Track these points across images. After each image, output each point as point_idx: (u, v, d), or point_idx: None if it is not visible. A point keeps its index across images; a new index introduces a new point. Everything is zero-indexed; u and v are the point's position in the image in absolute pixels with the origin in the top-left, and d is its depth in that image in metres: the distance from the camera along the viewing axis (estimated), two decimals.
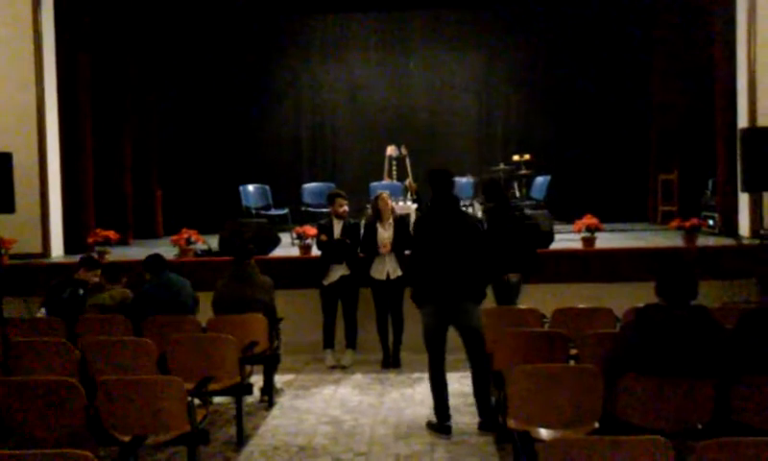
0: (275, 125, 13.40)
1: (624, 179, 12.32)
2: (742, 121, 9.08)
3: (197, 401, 4.59)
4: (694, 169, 10.87)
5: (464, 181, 11.10)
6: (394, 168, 11.25)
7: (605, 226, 8.80)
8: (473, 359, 5.70)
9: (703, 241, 8.75)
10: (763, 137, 7.73)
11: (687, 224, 8.55)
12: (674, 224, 8.85)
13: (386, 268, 7.54)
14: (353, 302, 7.71)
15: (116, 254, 8.98)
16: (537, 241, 8.08)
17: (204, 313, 6.38)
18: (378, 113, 13.32)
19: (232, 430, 5.66)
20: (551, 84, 12.95)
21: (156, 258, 6.39)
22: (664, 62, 11.69)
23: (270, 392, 6.46)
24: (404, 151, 11.23)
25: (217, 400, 6.14)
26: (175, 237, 8.78)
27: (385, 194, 7.85)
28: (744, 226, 9.19)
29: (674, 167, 11.42)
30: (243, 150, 12.95)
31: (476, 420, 5.74)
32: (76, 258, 8.22)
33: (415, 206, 8.80)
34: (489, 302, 6.64)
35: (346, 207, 7.78)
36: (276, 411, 6.28)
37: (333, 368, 7.55)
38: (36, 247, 9.05)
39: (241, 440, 5.50)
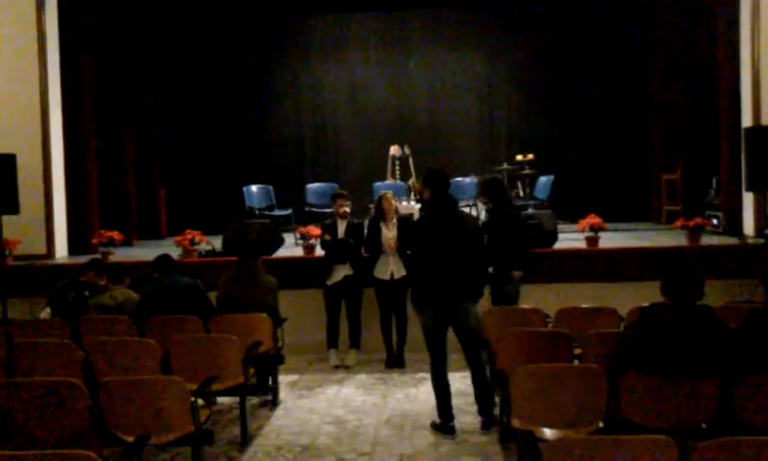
0: (276, 125, 13.41)
1: (628, 178, 12.31)
2: (746, 120, 9.06)
3: (200, 402, 4.60)
4: (698, 168, 10.85)
5: (467, 181, 11.09)
6: (397, 168, 11.25)
7: (608, 225, 8.78)
8: (471, 359, 5.73)
9: (707, 240, 8.73)
10: (767, 136, 7.70)
11: (691, 223, 8.52)
12: (678, 223, 8.83)
13: (390, 268, 7.54)
14: (357, 302, 7.71)
15: (120, 254, 8.99)
16: (536, 241, 8.12)
17: None
18: (379, 113, 13.32)
19: (236, 430, 5.66)
20: (552, 84, 12.94)
21: (164, 259, 6.42)
22: (665, 62, 11.68)
23: (275, 392, 6.46)
24: (407, 150, 11.23)
25: (221, 400, 6.15)
26: (179, 238, 8.79)
27: (389, 194, 7.86)
28: (749, 225, 9.17)
29: (677, 166, 11.40)
30: (246, 150, 12.97)
31: (480, 419, 5.74)
32: (80, 259, 8.27)
33: (418, 205, 8.80)
34: (486, 303, 6.70)
35: (346, 208, 7.77)
36: (279, 411, 6.29)
37: (337, 368, 7.56)
38: (41, 248, 9.07)
39: (245, 440, 5.51)
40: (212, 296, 6.57)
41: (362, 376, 7.28)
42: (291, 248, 9.07)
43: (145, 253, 9.74)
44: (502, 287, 7.03)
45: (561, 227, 8.97)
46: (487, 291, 6.36)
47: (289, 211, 10.84)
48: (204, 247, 8.90)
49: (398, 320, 7.64)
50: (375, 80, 13.42)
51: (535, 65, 13.10)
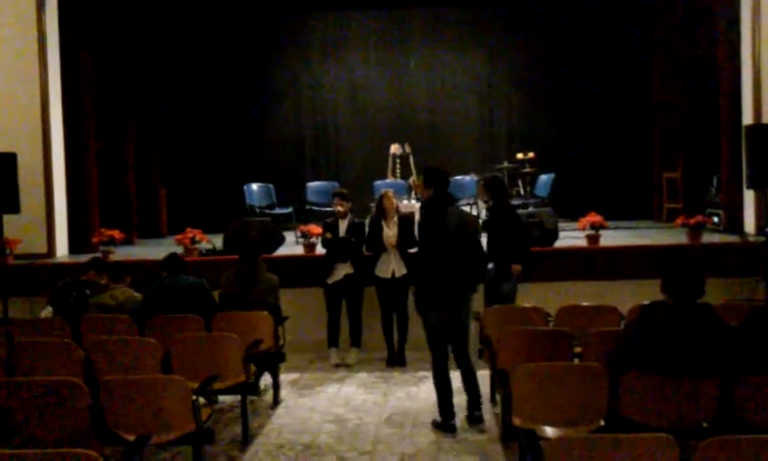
0: (276, 124, 13.40)
1: (628, 176, 12.30)
2: (747, 119, 9.06)
3: (201, 400, 4.59)
4: (699, 166, 10.84)
5: (467, 179, 11.09)
6: (397, 166, 11.25)
7: (609, 223, 8.78)
8: (461, 355, 5.78)
9: (708, 238, 8.73)
10: None
11: (692, 221, 8.52)
12: (679, 221, 8.83)
13: (391, 266, 7.54)
14: (358, 300, 7.71)
15: (121, 253, 9.00)
16: (536, 239, 8.15)
17: None
18: (379, 112, 13.31)
19: (237, 429, 5.67)
20: (552, 84, 12.93)
21: (173, 258, 6.44)
22: (665, 62, 11.69)
23: (276, 390, 6.47)
24: (408, 149, 11.23)
25: (222, 398, 6.15)
26: (179, 236, 8.79)
27: (390, 192, 7.86)
28: (749, 223, 9.17)
29: (678, 165, 11.40)
30: (246, 149, 12.96)
31: (468, 415, 5.76)
32: (81, 259, 8.28)
33: (419, 204, 8.79)
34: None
35: (339, 208, 7.75)
36: (280, 410, 6.29)
37: (338, 366, 7.56)
38: (42, 247, 9.07)
39: (246, 439, 5.51)
40: (216, 295, 6.58)
41: (363, 375, 7.28)
42: (292, 246, 9.07)
43: (146, 251, 9.77)
44: (500, 285, 7.05)
45: (561, 225, 8.97)
46: (480, 290, 6.42)
47: (290, 210, 10.84)
48: (204, 245, 8.90)
49: (399, 318, 7.65)
50: (375, 79, 13.41)
51: (535, 65, 13.09)
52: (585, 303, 6.08)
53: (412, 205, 9.44)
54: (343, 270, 7.62)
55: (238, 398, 5.68)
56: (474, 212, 9.91)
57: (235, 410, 6.03)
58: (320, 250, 8.16)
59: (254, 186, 11.01)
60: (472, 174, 11.33)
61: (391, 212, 7.64)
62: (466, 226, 5.82)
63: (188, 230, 8.76)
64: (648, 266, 7.71)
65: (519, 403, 4.26)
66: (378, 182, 10.85)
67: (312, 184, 11.43)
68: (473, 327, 6.14)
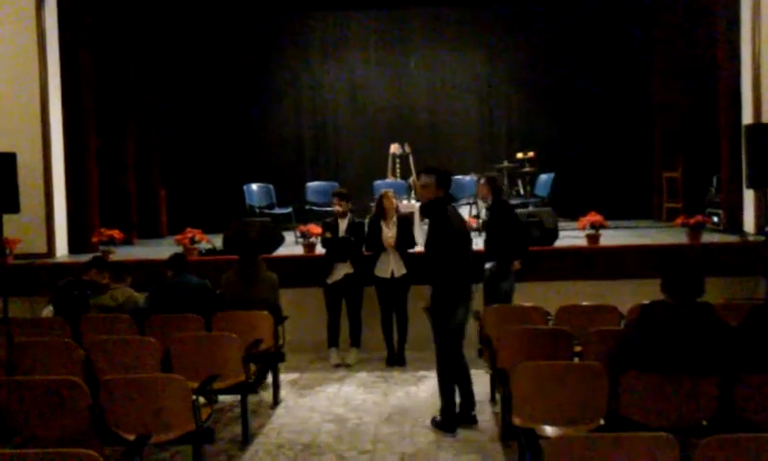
0: (276, 124, 13.40)
1: (628, 176, 12.30)
2: (746, 118, 9.07)
3: (201, 400, 4.60)
4: (698, 166, 10.84)
5: (467, 179, 11.09)
6: (397, 166, 11.25)
7: (609, 223, 8.79)
8: (460, 350, 5.78)
9: (708, 238, 8.74)
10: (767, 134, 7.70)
11: (692, 221, 8.53)
12: (678, 221, 8.83)
13: (390, 266, 7.54)
14: (358, 300, 7.71)
15: (121, 253, 9.01)
16: (536, 239, 8.17)
17: None
18: (379, 112, 13.31)
19: (237, 429, 5.67)
20: (552, 84, 12.93)
21: (178, 258, 6.46)
22: (665, 62, 11.69)
23: (276, 390, 6.47)
24: (407, 149, 11.23)
25: (222, 398, 6.15)
26: (179, 236, 8.79)
27: (390, 192, 7.86)
28: (749, 222, 9.17)
29: (678, 164, 11.40)
30: (246, 149, 12.96)
31: (481, 417, 5.75)
32: (81, 258, 8.27)
33: (418, 204, 8.80)
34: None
35: (338, 208, 7.75)
36: (280, 410, 6.29)
37: (338, 366, 7.56)
38: (41, 247, 9.07)
39: (246, 438, 5.51)
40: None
41: (363, 375, 7.28)
42: (291, 246, 9.07)
43: (146, 252, 9.77)
44: (499, 283, 7.05)
45: (561, 224, 8.98)
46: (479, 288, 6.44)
47: (289, 210, 10.83)
48: (204, 245, 8.91)
49: (399, 318, 7.65)
50: (375, 79, 13.41)
51: (535, 65, 13.09)
52: (584, 303, 6.09)
53: (412, 204, 9.44)
54: (342, 270, 7.62)
55: (238, 397, 5.68)
56: (474, 212, 9.92)
57: (235, 410, 6.02)
58: (319, 250, 8.16)
59: (254, 186, 11.00)
60: (472, 174, 11.33)
61: (390, 212, 7.64)
62: (465, 225, 5.99)
63: (188, 230, 8.76)
64: (648, 266, 7.71)
65: (519, 403, 4.26)
66: (378, 182, 10.85)
67: (312, 184, 11.42)
68: (473, 327, 6.15)
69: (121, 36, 11.13)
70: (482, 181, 7.57)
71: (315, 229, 8.45)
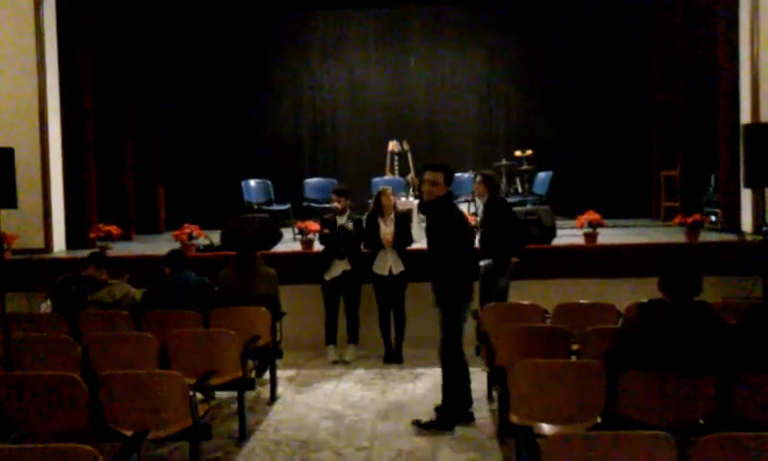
0: (275, 122, 13.40)
1: (626, 175, 12.32)
2: (745, 118, 9.08)
3: (199, 396, 4.60)
4: (697, 165, 10.85)
5: (465, 176, 11.08)
6: (396, 163, 11.25)
7: (607, 222, 8.80)
8: None
9: (705, 237, 8.75)
10: (766, 133, 7.69)
11: (690, 220, 8.54)
12: (676, 220, 8.84)
13: (388, 264, 7.55)
14: (355, 297, 7.72)
15: (118, 249, 9.00)
16: (534, 237, 8.17)
17: None
18: (378, 111, 13.31)
19: (234, 425, 5.67)
20: (552, 83, 12.95)
21: (176, 254, 6.46)
22: (665, 62, 11.69)
23: (273, 386, 6.47)
24: (406, 146, 11.22)
25: (219, 394, 6.14)
26: (177, 232, 8.78)
27: (389, 190, 7.86)
28: (747, 221, 9.18)
29: (677, 163, 11.40)
30: (244, 145, 12.97)
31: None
32: (78, 254, 8.26)
33: (416, 201, 8.80)
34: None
35: (336, 204, 7.73)
36: (278, 406, 6.30)
37: (335, 363, 7.56)
38: (39, 242, 9.06)
39: (243, 435, 5.52)
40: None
41: (360, 372, 7.29)
42: (289, 243, 9.07)
43: (143, 247, 9.77)
44: (496, 280, 7.06)
45: (559, 223, 8.99)
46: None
47: (287, 206, 10.82)
48: (202, 241, 8.90)
49: (397, 316, 7.65)
50: (375, 77, 13.41)
51: (534, 64, 13.10)
52: (582, 301, 6.10)
53: (410, 202, 9.43)
54: (340, 267, 7.62)
55: (235, 394, 5.68)
56: (472, 209, 9.92)
57: (232, 406, 6.02)
58: (317, 247, 8.16)
59: (252, 183, 10.98)
60: (471, 172, 11.33)
61: (388, 210, 7.64)
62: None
63: (186, 225, 8.76)
64: (646, 264, 7.71)
65: (517, 400, 4.27)
66: (376, 179, 10.84)
67: (310, 181, 11.41)
68: (471, 324, 6.14)
69: (120, 34, 11.12)
70: (478, 178, 7.54)
71: (313, 225, 8.45)
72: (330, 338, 7.72)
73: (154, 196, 12.03)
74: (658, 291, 4.17)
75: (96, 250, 7.93)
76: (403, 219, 7.76)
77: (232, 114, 13.01)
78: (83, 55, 9.97)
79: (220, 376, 5.21)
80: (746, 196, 9.17)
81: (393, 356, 7.62)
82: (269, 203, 10.89)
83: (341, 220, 7.72)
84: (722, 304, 5.60)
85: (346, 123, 13.44)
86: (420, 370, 7.20)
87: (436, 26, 13.37)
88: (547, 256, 8.28)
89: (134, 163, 11.56)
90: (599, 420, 4.11)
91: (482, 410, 5.94)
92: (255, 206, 10.55)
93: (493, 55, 13.35)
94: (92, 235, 9.01)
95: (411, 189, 10.14)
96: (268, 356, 6.27)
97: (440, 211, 5.64)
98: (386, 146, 11.41)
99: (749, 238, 8.63)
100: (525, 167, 11.38)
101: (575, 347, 5.10)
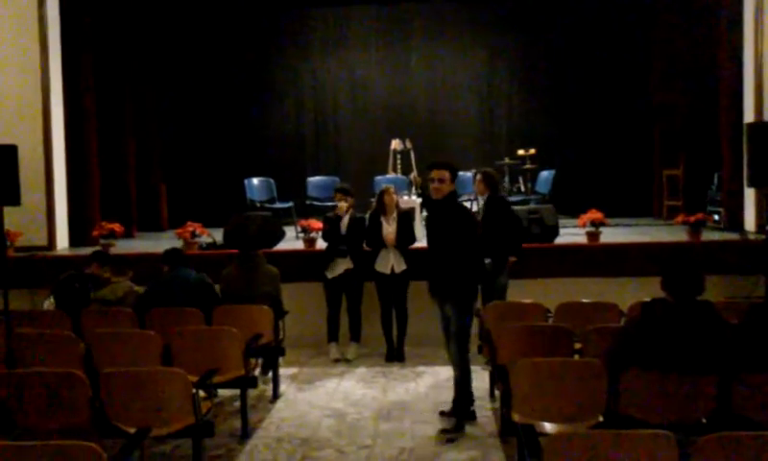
0: (277, 120, 13.38)
1: (629, 174, 12.29)
2: (748, 117, 9.07)
3: (201, 394, 4.61)
4: (700, 164, 10.84)
5: (467, 175, 11.08)
6: (398, 162, 11.24)
7: (609, 220, 8.79)
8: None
9: (708, 236, 8.74)
10: None
11: (692, 219, 8.53)
12: (679, 219, 8.84)
13: (390, 262, 7.55)
14: (358, 295, 7.72)
15: (121, 246, 9.01)
16: (536, 235, 8.17)
17: None
18: (380, 109, 13.28)
19: (237, 423, 5.68)
20: (553, 82, 12.92)
21: (173, 252, 6.46)
22: (665, 62, 11.68)
23: (275, 384, 6.48)
24: (409, 145, 11.22)
25: (221, 392, 6.15)
26: (179, 230, 8.79)
27: (391, 188, 7.84)
28: (750, 221, 9.18)
29: (679, 162, 11.39)
30: (247, 144, 12.95)
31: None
32: (81, 251, 8.28)
33: (419, 200, 8.80)
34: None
35: (343, 204, 7.69)
36: (280, 404, 6.30)
37: (337, 361, 7.57)
38: (42, 240, 9.08)
39: (245, 432, 5.52)
40: (217, 289, 6.59)
41: (362, 370, 7.29)
42: (292, 241, 9.08)
43: (146, 245, 9.78)
44: (497, 278, 7.05)
45: (562, 222, 8.99)
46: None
47: (290, 204, 10.83)
48: (204, 239, 8.91)
49: (399, 314, 7.66)
50: (376, 76, 13.38)
51: (535, 63, 13.08)
52: (584, 300, 6.09)
53: (412, 200, 9.43)
54: (342, 265, 7.62)
55: (237, 391, 5.69)
56: (475, 208, 9.90)
57: (235, 404, 6.03)
58: (320, 245, 8.16)
59: (255, 181, 10.99)
60: (473, 170, 11.32)
61: (391, 208, 7.64)
62: None
63: (189, 223, 8.76)
64: (648, 263, 7.71)
65: (519, 399, 4.27)
66: (379, 178, 10.84)
67: (313, 179, 11.41)
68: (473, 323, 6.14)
69: (122, 33, 11.14)
70: (478, 176, 7.52)
71: (316, 223, 8.45)
72: (332, 336, 7.73)
73: (156, 194, 12.03)
74: (660, 290, 4.16)
75: (99, 248, 7.95)
76: (406, 217, 7.76)
77: (234, 113, 13.00)
78: (85, 54, 9.98)
79: (222, 373, 5.22)
80: (749, 195, 9.16)
81: (395, 355, 7.62)
82: (271, 201, 10.90)
83: (344, 219, 7.69)
84: (724, 304, 5.59)
85: (348, 121, 13.42)
86: (421, 368, 7.21)
87: (437, 25, 13.34)
88: (550, 255, 8.28)
89: (137, 161, 11.57)
90: (601, 419, 4.11)
91: (484, 409, 5.94)
92: (258, 205, 10.56)
93: (494, 54, 13.32)
94: (95, 233, 9.02)
95: (414, 188, 10.14)
96: (270, 354, 6.28)
97: (449, 209, 5.61)
98: (388, 144, 11.41)
99: (751, 237, 8.62)
100: (528, 166, 11.37)
101: (577, 346, 5.11)
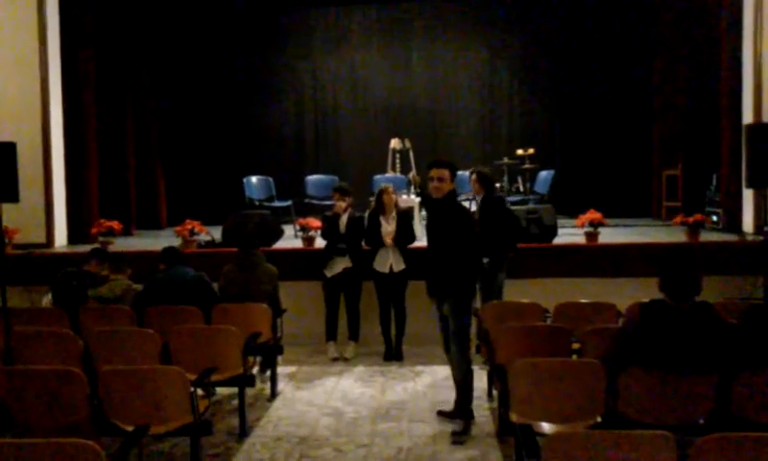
0: (277, 118, 13.39)
1: (628, 174, 12.32)
2: (747, 118, 9.08)
3: (200, 392, 4.60)
4: (698, 165, 10.85)
5: (467, 174, 11.06)
6: (397, 161, 11.24)
7: (608, 221, 8.79)
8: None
9: (706, 237, 8.75)
10: None
11: (691, 220, 8.54)
12: (678, 219, 8.84)
13: (389, 261, 7.55)
14: (356, 294, 7.72)
15: (120, 244, 9.01)
16: (535, 235, 8.17)
17: None
18: (380, 107, 13.30)
19: (235, 421, 5.68)
20: (553, 82, 12.95)
21: (170, 251, 6.45)
22: (665, 62, 11.69)
23: (273, 383, 6.48)
24: (408, 144, 11.22)
25: (219, 390, 6.16)
26: (178, 228, 8.79)
27: (390, 188, 7.84)
28: (748, 222, 9.18)
29: (678, 163, 11.40)
30: (246, 142, 12.98)
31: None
32: (79, 249, 8.27)
33: (418, 199, 8.79)
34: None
35: (341, 203, 7.68)
36: (278, 402, 6.30)
37: (335, 360, 7.57)
38: (40, 237, 9.08)
39: (243, 431, 5.52)
40: (215, 287, 6.59)
41: (360, 369, 7.29)
42: (290, 240, 9.07)
43: (144, 243, 9.78)
44: (495, 277, 7.05)
45: (561, 222, 8.99)
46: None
47: (289, 203, 10.83)
48: (203, 237, 8.91)
49: (397, 313, 7.66)
50: (377, 74, 13.39)
51: (536, 63, 13.09)
52: (583, 300, 6.09)
53: (411, 200, 9.42)
54: (341, 264, 7.62)
55: (236, 390, 5.69)
56: (473, 207, 9.90)
57: (233, 402, 6.04)
58: (318, 243, 8.16)
59: (254, 179, 10.99)
60: (470, 169, 11.31)
61: (390, 208, 7.64)
62: None
63: (187, 221, 8.76)
64: (647, 264, 7.72)
65: (517, 399, 4.27)
66: (377, 177, 10.85)
67: (311, 178, 11.41)
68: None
69: (122, 30, 11.13)
70: (473, 176, 7.45)
71: (314, 222, 8.45)
72: (331, 335, 7.73)
73: (155, 191, 12.04)
74: (659, 291, 4.17)
75: (97, 245, 7.95)
76: (405, 217, 7.76)
77: (234, 111, 13.01)
78: (84, 51, 9.98)
79: (221, 372, 5.22)
80: (747, 196, 9.17)
81: (393, 354, 7.63)
82: (270, 199, 10.90)
83: (343, 218, 7.69)
84: (723, 305, 5.60)
85: (347, 121, 13.43)
86: (419, 367, 7.21)
87: (437, 25, 13.34)
88: (548, 255, 8.28)
89: (136, 159, 11.59)
90: (599, 419, 4.12)
91: (482, 408, 5.95)
92: (257, 203, 10.56)
93: (495, 54, 13.33)
94: (94, 231, 9.02)
95: (412, 187, 10.12)
96: (269, 353, 6.27)
97: (449, 208, 5.58)
98: (387, 144, 11.41)
99: (749, 238, 8.63)
100: (527, 166, 11.37)
101: (576, 346, 5.10)
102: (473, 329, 6.14)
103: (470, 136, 13.27)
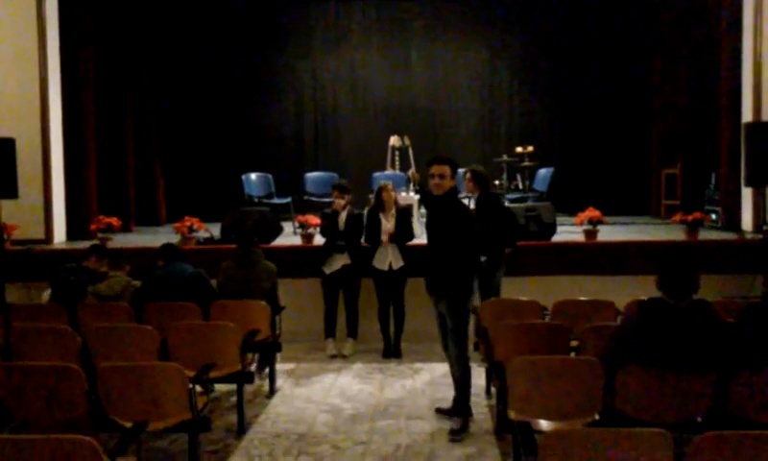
0: (276, 115, 13.38)
1: (627, 172, 12.33)
2: (747, 117, 9.08)
3: (198, 389, 4.60)
4: (698, 164, 10.86)
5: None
6: (396, 158, 11.24)
7: (607, 219, 8.80)
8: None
9: (705, 235, 8.75)
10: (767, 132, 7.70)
11: (690, 218, 8.55)
12: (677, 218, 8.85)
13: (388, 259, 7.55)
14: (355, 291, 7.73)
15: (119, 240, 9.01)
16: (534, 233, 8.17)
17: None
18: (380, 105, 13.30)
19: (233, 418, 5.68)
20: (553, 80, 12.96)
21: (168, 247, 6.45)
22: (665, 62, 11.69)
23: (272, 380, 6.49)
24: (407, 141, 11.21)
25: (218, 387, 6.16)
26: (177, 225, 8.79)
27: (390, 185, 7.84)
28: (747, 220, 9.19)
29: (677, 161, 11.41)
30: (245, 139, 12.97)
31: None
32: (78, 245, 8.27)
33: (417, 196, 8.80)
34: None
35: (340, 201, 7.68)
36: (276, 399, 6.30)
37: (334, 357, 7.57)
38: (39, 233, 9.07)
39: (242, 427, 5.52)
40: (214, 284, 6.59)
41: (359, 366, 7.30)
42: (289, 237, 9.08)
43: (143, 239, 9.77)
44: (494, 274, 7.05)
45: (559, 219, 8.99)
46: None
47: (288, 200, 10.82)
48: (202, 234, 8.90)
49: (396, 310, 7.66)
50: (376, 73, 13.38)
51: (536, 62, 13.09)
52: (581, 298, 6.10)
53: (410, 197, 9.43)
54: (340, 261, 7.63)
55: (234, 386, 5.69)
56: (472, 205, 9.90)
57: (231, 399, 6.04)
58: (317, 240, 8.16)
59: (253, 176, 10.99)
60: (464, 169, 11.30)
61: (389, 205, 7.64)
62: None
63: (186, 218, 8.76)
64: (645, 262, 7.73)
65: (515, 396, 4.27)
66: (377, 174, 10.84)
67: (311, 175, 11.41)
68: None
69: (122, 28, 11.13)
70: (467, 175, 7.38)
71: (313, 219, 8.45)
72: (329, 332, 7.73)
73: (154, 187, 12.04)
74: (657, 289, 4.17)
75: (96, 242, 7.94)
76: (404, 214, 7.76)
77: (233, 109, 13.01)
78: (84, 49, 9.96)
79: (219, 369, 5.21)
80: (746, 195, 9.17)
81: (392, 351, 7.63)
82: (269, 196, 10.90)
83: (342, 216, 7.69)
84: (722, 303, 5.60)
85: (346, 118, 13.42)
86: (418, 364, 7.22)
87: (437, 24, 13.33)
88: (547, 253, 8.29)
89: (135, 155, 11.58)
90: (597, 417, 4.12)
91: (480, 406, 5.95)
92: (256, 200, 10.56)
93: (495, 53, 13.32)
94: (93, 227, 9.01)
95: (412, 184, 10.12)
96: (267, 350, 6.28)
97: (450, 205, 5.54)
98: (387, 141, 11.40)
99: (748, 237, 8.64)
100: (526, 163, 11.37)
101: (574, 343, 5.11)
102: (472, 327, 6.16)
103: (470, 136, 13.27)
